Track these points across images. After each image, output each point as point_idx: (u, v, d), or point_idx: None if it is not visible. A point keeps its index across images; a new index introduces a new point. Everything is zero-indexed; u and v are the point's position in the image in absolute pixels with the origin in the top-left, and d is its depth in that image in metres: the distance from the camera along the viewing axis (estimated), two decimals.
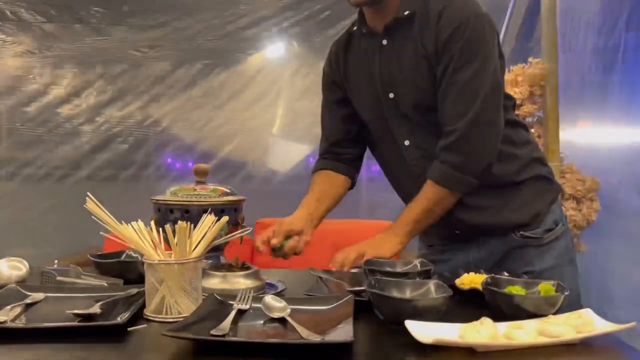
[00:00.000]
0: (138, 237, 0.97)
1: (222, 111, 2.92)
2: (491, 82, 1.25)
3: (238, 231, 1.18)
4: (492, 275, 1.06)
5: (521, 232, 1.34)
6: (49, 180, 2.87)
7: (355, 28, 1.40)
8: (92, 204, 0.99)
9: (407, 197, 1.40)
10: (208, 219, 1.03)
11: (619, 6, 2.56)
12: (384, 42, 1.32)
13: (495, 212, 1.34)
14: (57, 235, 2.73)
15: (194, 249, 0.97)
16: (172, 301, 0.93)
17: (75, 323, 0.87)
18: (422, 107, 1.30)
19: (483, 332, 0.81)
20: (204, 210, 1.12)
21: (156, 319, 0.93)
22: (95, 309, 0.90)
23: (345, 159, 1.48)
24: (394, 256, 1.27)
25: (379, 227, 2.35)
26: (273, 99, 2.94)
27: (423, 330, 0.81)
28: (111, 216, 0.99)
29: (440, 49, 1.24)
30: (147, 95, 2.92)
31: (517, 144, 1.36)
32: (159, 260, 0.94)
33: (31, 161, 2.87)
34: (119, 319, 0.87)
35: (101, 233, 1.02)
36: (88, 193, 0.99)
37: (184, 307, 0.93)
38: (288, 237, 1.30)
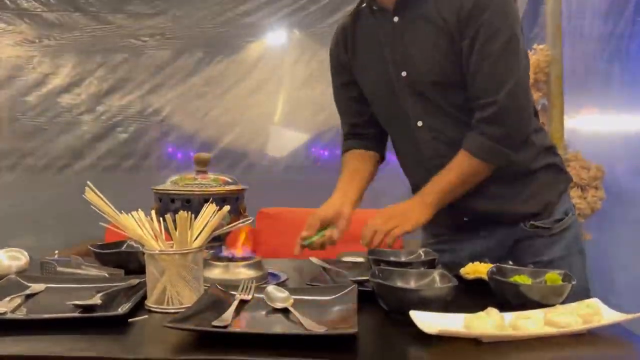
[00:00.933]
0: (138, 227, 0.96)
1: (222, 100, 2.90)
2: (524, 51, 1.23)
3: (239, 221, 1.17)
4: (498, 264, 1.04)
5: (531, 222, 1.32)
6: (50, 170, 2.86)
7: (363, 5, 1.37)
8: (91, 194, 0.98)
9: (417, 181, 1.38)
10: (209, 209, 1.01)
11: None
12: (395, 19, 1.29)
13: (506, 201, 1.31)
14: (58, 225, 2.72)
15: (195, 239, 0.96)
16: (174, 292, 0.92)
17: (75, 314, 0.86)
18: (441, 84, 1.26)
19: (489, 322, 0.80)
20: (205, 199, 1.12)
21: (157, 310, 0.92)
22: (96, 299, 0.89)
23: (369, 137, 1.47)
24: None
25: None
26: (274, 87, 2.91)
27: (428, 321, 0.80)
28: (111, 206, 0.98)
29: (464, 21, 1.20)
30: (147, 85, 2.90)
31: (533, 130, 1.33)
32: (159, 251, 0.93)
33: (32, 151, 2.86)
34: (119, 310, 0.86)
35: (101, 223, 1.01)
36: (88, 182, 0.98)
37: (186, 297, 0.92)
38: (324, 228, 1.25)
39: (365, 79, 1.40)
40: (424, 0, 1.25)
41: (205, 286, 0.97)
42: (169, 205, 1.17)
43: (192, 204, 1.15)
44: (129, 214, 0.98)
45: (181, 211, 0.94)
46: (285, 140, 2.94)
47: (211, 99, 2.91)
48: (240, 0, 2.83)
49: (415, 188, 1.40)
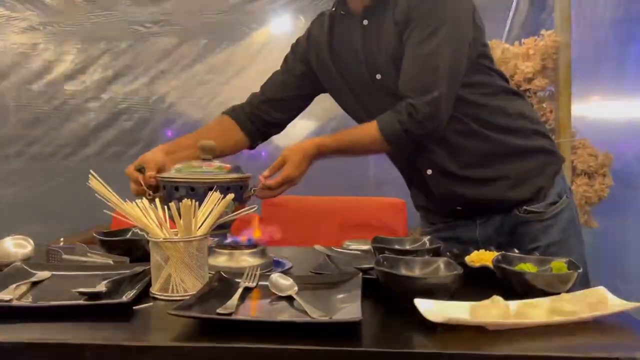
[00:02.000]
0: (143, 215, 0.96)
1: (227, 87, 2.88)
2: (452, 58, 1.23)
3: (245, 208, 1.17)
4: (503, 252, 1.04)
5: (525, 207, 1.32)
6: (56, 157, 2.87)
7: (334, 9, 1.38)
8: (95, 182, 0.98)
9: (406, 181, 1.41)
10: (213, 197, 1.01)
11: None
12: (365, 22, 1.30)
13: (496, 187, 1.32)
14: (64, 212, 2.73)
15: (199, 227, 0.96)
16: (178, 279, 0.92)
17: (80, 302, 0.86)
18: None
19: (494, 310, 0.80)
20: (209, 188, 1.11)
21: (162, 297, 0.92)
22: (101, 287, 0.89)
23: (261, 120, 1.47)
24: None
25: (386, 204, 2.34)
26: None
27: (433, 309, 0.80)
28: (115, 194, 0.98)
29: (408, 19, 1.22)
30: (152, 71, 2.89)
31: (511, 115, 1.33)
32: (164, 239, 0.93)
33: (37, 139, 2.87)
34: (124, 297, 0.86)
35: (105, 211, 1.01)
36: (91, 171, 0.97)
37: (190, 285, 0.92)
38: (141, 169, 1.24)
39: (345, 83, 1.39)
40: (388, 3, 1.27)
41: (209, 273, 0.97)
42: (173, 193, 1.16)
43: (197, 192, 1.14)
44: (134, 202, 0.97)
45: (185, 199, 0.94)
46: (289, 127, 2.93)
47: (215, 85, 2.89)
48: None
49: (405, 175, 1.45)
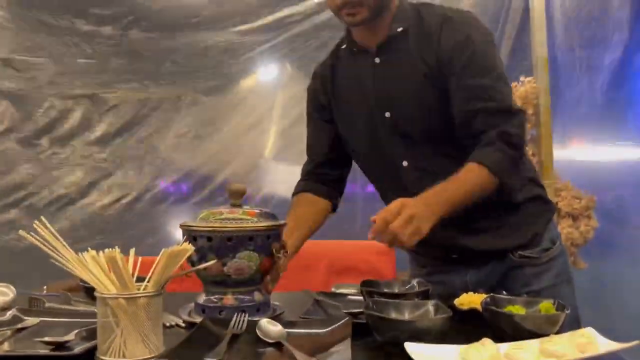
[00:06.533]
0: (85, 268, 0.83)
1: (217, 136, 2.90)
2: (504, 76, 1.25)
3: (188, 270, 1.00)
4: (492, 294, 1.04)
5: (519, 252, 1.31)
6: (51, 207, 2.80)
7: (344, 46, 1.38)
8: (40, 231, 0.83)
9: None
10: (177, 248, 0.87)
11: (632, 25, 2.60)
12: (377, 60, 1.30)
13: (493, 235, 1.30)
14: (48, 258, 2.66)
15: (147, 282, 0.83)
16: (121, 341, 0.79)
17: (39, 351, 0.83)
18: (425, 122, 1.26)
19: (484, 353, 0.79)
20: (228, 238, 1.01)
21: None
22: (71, 336, 0.86)
23: (329, 181, 1.45)
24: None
25: (374, 247, 2.33)
26: (266, 123, 2.93)
27: (423, 352, 0.79)
28: (65, 245, 0.84)
29: (447, 60, 1.22)
30: (145, 123, 2.88)
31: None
32: (102, 293, 0.81)
33: (35, 190, 2.80)
34: (77, 349, 0.83)
35: (52, 261, 0.86)
36: (42, 218, 0.84)
37: (134, 351, 0.80)
38: None
39: (346, 119, 1.38)
40: (404, 44, 1.26)
41: (195, 320, 0.95)
42: (192, 243, 1.02)
43: (214, 242, 1.02)
44: (81, 254, 0.84)
45: (108, 249, 0.82)
46: (279, 174, 2.94)
47: (206, 136, 2.90)
48: (231, 35, 2.85)
49: None
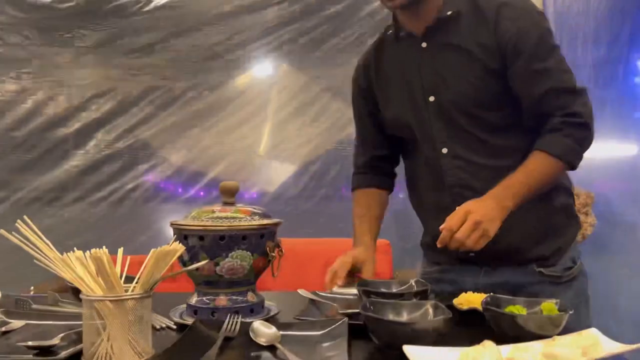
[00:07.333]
0: (69, 267, 0.79)
1: (209, 133, 2.88)
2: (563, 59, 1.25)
3: (200, 264, 0.97)
4: (492, 294, 1.01)
5: (540, 269, 1.27)
6: (39, 203, 2.78)
7: (390, 32, 1.37)
8: (23, 231, 0.79)
9: (426, 217, 1.37)
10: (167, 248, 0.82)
11: (619, 23, 2.58)
12: (424, 44, 1.28)
13: (519, 240, 1.26)
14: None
15: (136, 283, 0.80)
16: (108, 346, 0.76)
17: (23, 356, 0.81)
18: (473, 107, 1.25)
19: (486, 356, 0.77)
20: (220, 237, 0.99)
21: None
22: (56, 340, 0.83)
23: (385, 172, 1.46)
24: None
25: None
26: (260, 119, 2.91)
27: (422, 355, 0.77)
28: (50, 245, 0.80)
29: (511, 46, 1.20)
30: (135, 118, 2.87)
31: None
32: (88, 295, 0.77)
33: (23, 185, 2.79)
34: (62, 354, 0.80)
35: (36, 261, 0.81)
36: (25, 217, 0.80)
37: (121, 355, 0.76)
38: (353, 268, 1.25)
39: (389, 105, 1.37)
40: (455, 28, 1.25)
41: (186, 322, 0.92)
42: (183, 242, 1.00)
43: (206, 241, 0.99)
44: (66, 254, 0.80)
45: (94, 249, 0.77)
46: (272, 171, 2.92)
47: (198, 132, 2.88)
48: (226, 33, 2.83)
49: (425, 222, 1.40)
